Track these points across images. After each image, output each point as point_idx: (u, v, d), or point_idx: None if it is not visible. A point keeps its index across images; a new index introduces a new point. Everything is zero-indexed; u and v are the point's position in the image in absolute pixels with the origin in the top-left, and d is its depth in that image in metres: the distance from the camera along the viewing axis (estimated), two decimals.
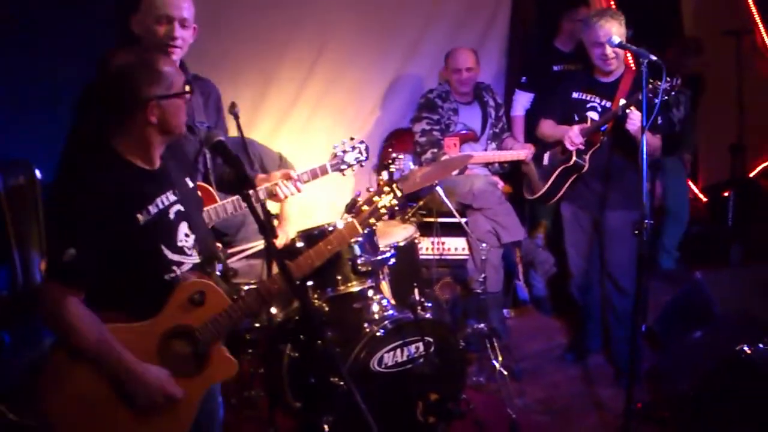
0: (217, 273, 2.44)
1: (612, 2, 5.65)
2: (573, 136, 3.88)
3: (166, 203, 2.26)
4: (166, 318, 2.25)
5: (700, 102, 5.47)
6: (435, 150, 4.66)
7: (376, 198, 2.72)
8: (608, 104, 3.86)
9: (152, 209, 2.21)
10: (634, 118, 3.58)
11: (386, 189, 2.72)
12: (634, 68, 3.85)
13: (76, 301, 2.11)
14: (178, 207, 2.30)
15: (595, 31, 3.73)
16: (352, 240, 3.16)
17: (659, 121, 3.75)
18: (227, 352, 2.36)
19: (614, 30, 3.59)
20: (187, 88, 2.22)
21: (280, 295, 2.44)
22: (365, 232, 2.77)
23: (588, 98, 3.93)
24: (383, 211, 2.71)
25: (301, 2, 4.71)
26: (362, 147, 3.35)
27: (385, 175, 2.79)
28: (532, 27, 5.53)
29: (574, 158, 3.92)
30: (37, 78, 3.68)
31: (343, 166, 3.35)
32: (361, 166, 3.38)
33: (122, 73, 2.13)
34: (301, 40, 4.78)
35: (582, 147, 3.90)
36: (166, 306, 2.24)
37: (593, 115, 3.91)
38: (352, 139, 3.36)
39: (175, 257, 2.28)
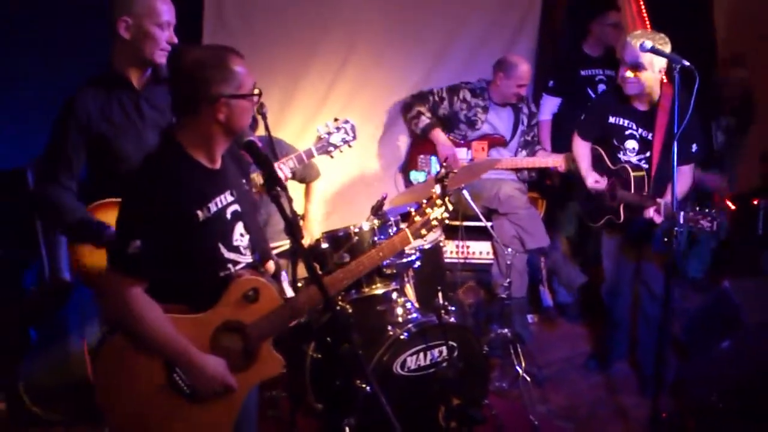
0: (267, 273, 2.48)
1: (642, 5, 5.61)
2: (595, 185, 3.91)
3: (225, 203, 2.30)
4: (220, 312, 2.29)
5: (752, 121, 5.34)
6: (418, 118, 4.74)
7: (428, 210, 2.77)
8: (647, 134, 3.77)
9: (212, 207, 2.25)
10: (655, 216, 3.56)
11: (438, 202, 2.76)
12: (670, 93, 3.73)
13: (140, 290, 2.17)
14: (235, 207, 2.33)
15: (624, 49, 3.68)
16: (379, 242, 3.18)
17: (693, 149, 3.68)
18: (274, 350, 2.40)
19: (644, 43, 3.44)
20: (256, 90, 2.23)
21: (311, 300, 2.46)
22: (415, 242, 2.81)
23: (626, 124, 3.83)
24: (434, 223, 2.77)
25: (330, 5, 4.72)
26: (347, 127, 3.32)
27: (437, 188, 2.79)
28: (562, 31, 5.49)
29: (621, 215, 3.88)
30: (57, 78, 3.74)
31: (330, 149, 3.33)
32: (349, 146, 3.34)
33: (196, 68, 2.13)
34: (330, 42, 4.78)
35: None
36: (220, 300, 2.28)
37: (632, 143, 3.83)
38: (336, 119, 3.33)
39: (231, 256, 2.32)
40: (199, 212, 2.21)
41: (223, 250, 2.30)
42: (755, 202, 5.64)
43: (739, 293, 3.92)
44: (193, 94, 2.15)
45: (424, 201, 2.79)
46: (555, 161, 4.65)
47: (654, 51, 3.34)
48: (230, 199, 2.32)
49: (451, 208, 2.78)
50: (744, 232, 5.36)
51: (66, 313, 3.67)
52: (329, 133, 3.34)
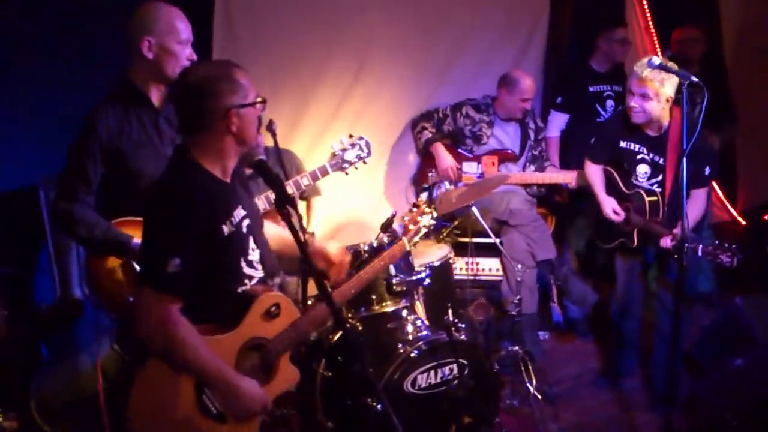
0: (275, 288, 2.50)
1: (650, 21, 5.62)
2: (613, 216, 3.90)
3: (240, 216, 2.32)
4: (245, 330, 2.31)
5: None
6: (422, 133, 4.82)
7: (419, 218, 2.93)
8: (659, 159, 3.77)
9: (234, 221, 2.28)
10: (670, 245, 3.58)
11: (426, 209, 2.93)
12: (679, 118, 3.73)
13: (177, 310, 2.16)
14: (248, 221, 2.36)
15: (631, 79, 3.69)
16: None
17: (707, 171, 3.67)
18: (290, 362, 2.43)
19: (651, 60, 3.38)
20: (259, 99, 2.28)
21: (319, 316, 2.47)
22: (410, 249, 3.01)
23: (637, 149, 3.83)
24: (424, 230, 2.93)
25: (341, 22, 4.74)
26: (362, 143, 3.33)
27: (424, 196, 2.91)
28: (568, 47, 5.50)
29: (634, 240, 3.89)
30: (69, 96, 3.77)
31: (344, 165, 3.33)
32: (364, 163, 3.36)
33: (206, 84, 2.18)
34: (340, 58, 4.80)
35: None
36: (244, 318, 2.30)
37: (643, 168, 3.83)
38: (351, 136, 3.34)
39: (248, 271, 2.35)
40: (224, 227, 2.24)
41: (243, 265, 2.33)
42: (765, 218, 5.62)
43: (752, 310, 3.90)
44: (206, 109, 2.18)
45: (414, 209, 2.95)
46: (566, 178, 4.65)
47: (662, 68, 3.33)
48: (243, 213, 2.34)
49: (436, 214, 2.96)
50: (754, 248, 5.33)
51: (77, 330, 3.67)
52: (344, 150, 3.34)
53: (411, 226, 2.94)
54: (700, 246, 3.31)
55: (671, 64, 3.35)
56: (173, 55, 2.71)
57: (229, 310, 2.30)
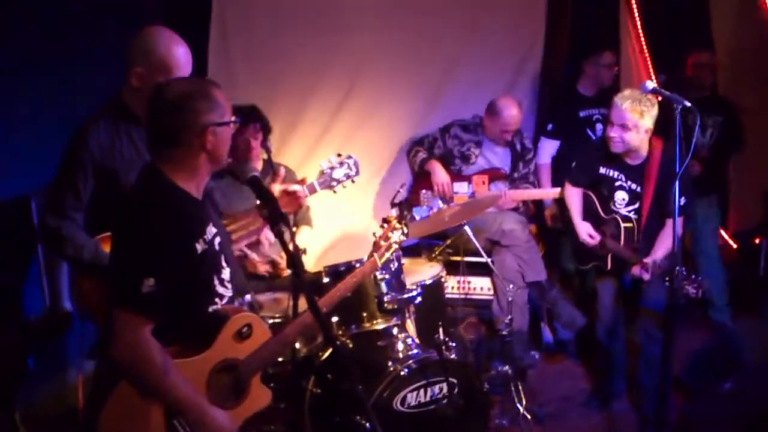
0: (245, 306, 2.46)
1: (644, 45, 5.67)
2: (588, 240, 3.94)
3: (212, 233, 2.29)
4: (217, 352, 2.28)
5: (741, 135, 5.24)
6: (416, 156, 4.86)
7: (390, 234, 3.00)
8: (637, 187, 3.81)
9: (207, 238, 2.25)
10: (644, 274, 3.62)
11: (396, 225, 3.01)
12: (660, 147, 3.77)
13: (149, 332, 2.11)
14: (219, 238, 2.33)
15: (611, 109, 3.72)
16: (380, 277, 3.32)
17: (683, 202, 3.56)
18: (261, 382, 2.41)
19: (645, 84, 3.38)
20: (233, 118, 2.28)
21: (306, 329, 2.47)
22: (384, 264, 3.04)
23: (616, 176, 3.88)
24: (394, 245, 3.00)
25: (332, 41, 4.75)
26: (350, 162, 3.35)
27: (394, 212, 3.01)
28: (562, 73, 5.54)
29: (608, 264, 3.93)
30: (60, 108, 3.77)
31: (333, 183, 3.35)
32: (352, 182, 3.38)
33: (183, 100, 2.16)
34: (332, 76, 4.81)
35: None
36: (216, 339, 2.27)
37: (622, 194, 3.87)
38: (339, 155, 3.36)
39: (220, 289, 2.33)
40: (197, 245, 2.21)
41: (216, 283, 2.31)
42: (757, 241, 5.64)
43: (742, 335, 3.91)
44: (182, 126, 2.16)
45: (384, 225, 3.00)
46: (555, 192, 4.67)
47: (655, 92, 3.36)
48: (214, 230, 2.32)
49: (406, 230, 3.03)
50: (745, 272, 5.35)
51: (65, 343, 3.65)
52: (332, 168, 3.35)
53: (382, 242, 2.99)
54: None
55: (650, 109, 3.44)
56: None
57: (200, 331, 2.26)
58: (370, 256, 2.99)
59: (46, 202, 2.71)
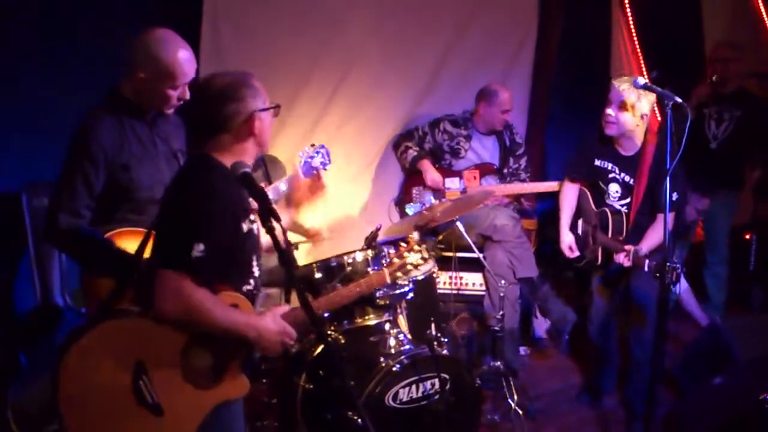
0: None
1: (636, 43, 5.69)
2: (568, 252, 4.00)
3: (253, 218, 2.38)
4: None
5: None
6: (406, 152, 4.86)
7: (406, 254, 2.91)
8: (630, 179, 3.82)
9: (250, 220, 2.36)
10: (624, 260, 3.61)
11: (416, 248, 2.91)
12: (654, 142, 3.77)
13: (194, 284, 2.18)
14: (257, 224, 2.40)
15: (611, 91, 3.73)
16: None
17: (674, 197, 3.62)
18: (241, 371, 2.39)
19: (637, 80, 3.33)
20: (275, 104, 2.42)
21: (297, 325, 2.46)
22: (391, 283, 2.96)
23: (610, 168, 3.89)
24: (410, 267, 2.91)
25: (323, 36, 4.75)
26: (323, 151, 3.47)
27: (416, 235, 2.95)
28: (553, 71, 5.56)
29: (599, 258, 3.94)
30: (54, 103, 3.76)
31: (312, 172, 3.43)
32: (325, 170, 3.45)
33: (230, 90, 2.29)
34: (322, 71, 4.82)
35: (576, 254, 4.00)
36: None
37: (614, 187, 3.88)
38: (312, 145, 3.46)
39: (256, 271, 2.41)
40: (244, 225, 2.32)
41: (255, 264, 2.41)
42: (747, 237, 5.66)
43: (732, 330, 3.93)
44: (232, 113, 2.29)
45: (403, 244, 2.92)
46: (549, 186, 4.68)
47: (646, 88, 3.37)
48: (253, 216, 2.40)
49: (426, 255, 2.92)
50: (735, 267, 5.38)
51: (57, 338, 3.64)
52: (311, 157, 3.46)
53: (396, 260, 2.92)
54: (647, 261, 3.36)
55: (645, 95, 3.46)
56: (162, 97, 2.72)
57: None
58: (380, 269, 2.96)
59: (57, 200, 2.64)
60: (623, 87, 3.65)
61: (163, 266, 2.20)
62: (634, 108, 3.66)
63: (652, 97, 3.61)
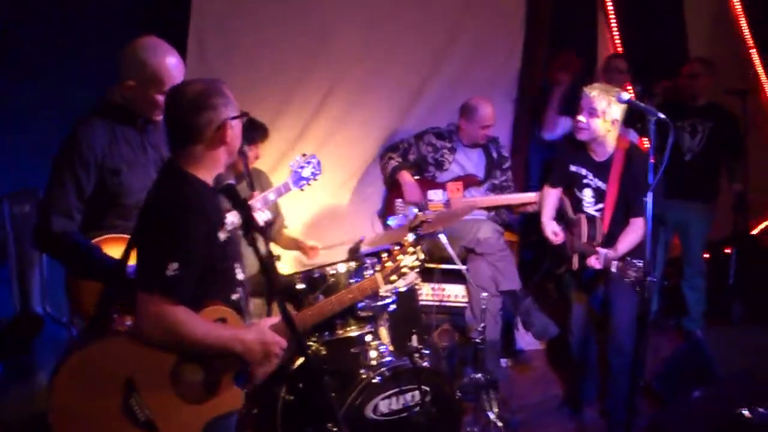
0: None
1: (619, 48, 5.75)
2: (552, 237, 4.01)
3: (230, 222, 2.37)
4: None
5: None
6: (388, 163, 4.86)
7: (400, 257, 2.85)
8: (602, 185, 3.87)
9: (227, 227, 2.33)
10: (594, 263, 3.67)
11: (410, 249, 2.86)
12: (625, 149, 3.84)
13: (174, 306, 2.17)
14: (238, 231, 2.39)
15: (582, 99, 3.79)
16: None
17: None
18: (234, 384, 2.37)
19: (620, 95, 3.47)
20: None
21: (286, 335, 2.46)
22: (385, 287, 2.90)
23: (584, 173, 3.94)
24: (405, 270, 2.86)
25: (311, 47, 4.75)
26: (314, 161, 3.53)
27: (411, 236, 2.88)
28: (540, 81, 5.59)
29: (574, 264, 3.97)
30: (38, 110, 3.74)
31: (302, 182, 3.43)
32: (316, 180, 3.46)
33: (202, 98, 2.26)
34: (310, 80, 4.81)
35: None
36: None
37: (588, 192, 3.93)
38: (304, 155, 3.45)
39: (241, 277, 2.39)
40: (221, 233, 2.29)
41: (237, 271, 2.37)
42: (727, 251, 5.72)
43: (712, 343, 3.96)
44: (204, 122, 2.25)
45: (397, 247, 2.86)
46: (530, 197, 4.71)
47: (630, 103, 3.43)
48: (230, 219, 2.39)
49: (422, 257, 2.86)
50: (715, 281, 5.43)
51: (36, 347, 3.61)
52: (302, 167, 3.46)
53: (389, 263, 2.86)
54: (614, 263, 3.41)
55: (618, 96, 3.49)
56: (152, 103, 2.72)
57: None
58: (372, 273, 2.91)
59: (48, 203, 2.64)
60: (593, 93, 3.72)
61: (142, 287, 2.19)
62: (605, 114, 3.73)
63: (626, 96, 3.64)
